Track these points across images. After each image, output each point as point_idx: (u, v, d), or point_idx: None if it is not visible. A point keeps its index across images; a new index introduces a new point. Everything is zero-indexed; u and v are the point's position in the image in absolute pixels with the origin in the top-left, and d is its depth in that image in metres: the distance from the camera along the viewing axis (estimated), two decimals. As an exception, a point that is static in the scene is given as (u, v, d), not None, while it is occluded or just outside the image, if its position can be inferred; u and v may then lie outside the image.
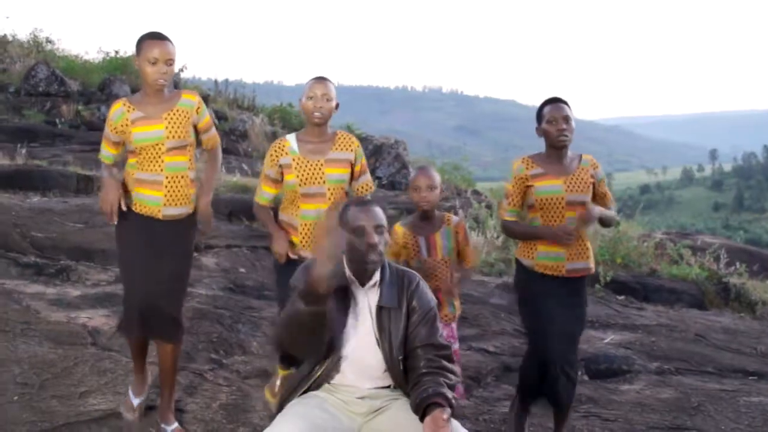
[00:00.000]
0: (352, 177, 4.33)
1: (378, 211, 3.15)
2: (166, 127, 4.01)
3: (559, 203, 4.19)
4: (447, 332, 4.18)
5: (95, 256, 7.55)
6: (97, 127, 16.69)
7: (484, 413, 4.99)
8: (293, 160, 4.20)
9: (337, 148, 4.24)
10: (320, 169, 4.17)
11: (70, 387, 4.58)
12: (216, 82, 22.53)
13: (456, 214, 11.39)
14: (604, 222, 4.38)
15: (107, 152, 4.16)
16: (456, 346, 4.45)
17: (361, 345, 3.15)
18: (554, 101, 4.27)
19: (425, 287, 3.27)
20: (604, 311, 7.95)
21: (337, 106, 4.27)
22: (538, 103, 4.38)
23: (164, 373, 4.24)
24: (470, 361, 5.83)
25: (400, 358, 3.15)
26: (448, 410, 2.88)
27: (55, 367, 4.81)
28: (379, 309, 3.15)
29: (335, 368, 3.17)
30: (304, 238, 4.21)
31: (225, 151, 15.89)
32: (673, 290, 9.18)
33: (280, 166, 4.24)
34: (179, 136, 4.04)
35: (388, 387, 3.22)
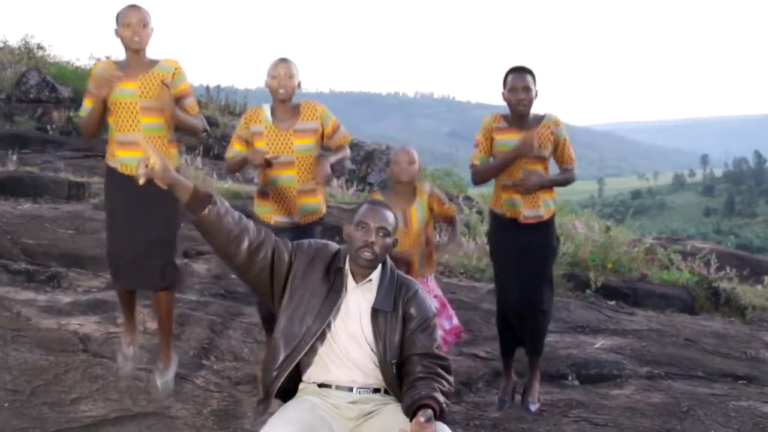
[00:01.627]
0: (323, 139, 4.66)
1: (388, 214, 3.25)
2: (139, 87, 4.32)
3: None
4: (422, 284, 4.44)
5: (86, 262, 7.53)
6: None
7: (474, 418, 5.00)
8: (265, 128, 4.53)
9: (303, 118, 4.55)
10: (289, 139, 4.50)
11: (61, 394, 4.57)
12: (208, 88, 22.48)
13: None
14: (559, 185, 4.84)
15: (86, 105, 4.42)
16: (438, 292, 4.83)
17: (350, 340, 3.18)
18: (518, 70, 4.64)
19: (425, 296, 3.30)
20: (594, 316, 7.97)
21: (299, 84, 4.55)
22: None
23: (160, 319, 4.65)
24: (461, 366, 5.85)
25: (394, 362, 3.16)
26: (429, 411, 2.86)
27: (46, 374, 4.80)
28: (375, 311, 3.18)
29: (318, 342, 3.19)
30: (274, 204, 4.58)
31: (216, 157, 15.93)
32: (664, 295, 9.20)
33: (252, 132, 4.55)
34: (152, 97, 4.32)
35: (379, 391, 3.23)
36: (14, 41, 22.63)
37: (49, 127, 16.57)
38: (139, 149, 4.19)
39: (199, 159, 13.99)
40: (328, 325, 3.18)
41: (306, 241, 3.34)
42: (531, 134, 4.58)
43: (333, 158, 4.69)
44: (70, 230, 8.63)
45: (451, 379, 3.19)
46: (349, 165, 17.05)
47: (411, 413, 2.95)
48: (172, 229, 4.52)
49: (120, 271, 4.50)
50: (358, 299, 3.22)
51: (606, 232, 10.76)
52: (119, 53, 4.41)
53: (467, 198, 15.51)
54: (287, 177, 4.54)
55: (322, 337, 3.18)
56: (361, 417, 3.17)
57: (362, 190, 14.79)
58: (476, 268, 9.64)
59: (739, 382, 6.16)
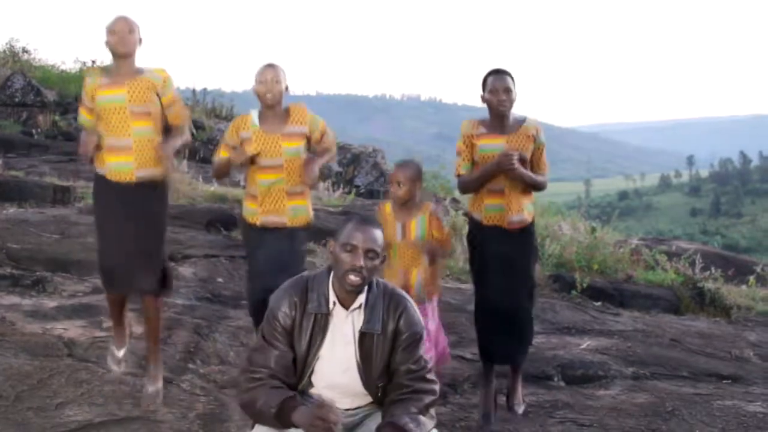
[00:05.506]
0: (310, 144, 4.73)
1: (377, 234, 3.06)
2: (128, 92, 4.39)
3: None
4: (420, 310, 4.39)
5: (71, 267, 7.51)
6: (74, 137, 16.57)
7: (460, 420, 5.02)
8: (253, 133, 4.59)
9: (292, 122, 4.63)
10: (277, 142, 4.56)
11: (46, 399, 4.56)
12: (194, 91, 22.38)
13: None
14: (531, 182, 4.69)
15: (85, 117, 4.58)
16: (432, 326, 4.67)
17: (339, 373, 3.11)
18: (496, 72, 4.65)
19: (413, 310, 3.17)
20: (580, 317, 7.99)
21: (287, 88, 4.64)
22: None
23: (149, 325, 4.71)
24: (447, 368, 5.85)
25: (380, 385, 3.11)
26: None
27: (31, 379, 4.79)
28: (362, 334, 3.08)
29: (306, 390, 3.18)
30: (262, 205, 4.64)
31: (202, 160, 15.89)
32: (649, 296, 9.23)
33: (242, 138, 4.61)
34: (141, 101, 4.40)
35: (367, 404, 3.22)
36: (-1, 45, 22.53)
37: (34, 131, 16.51)
38: (129, 154, 4.37)
39: (184, 162, 13.94)
40: (317, 358, 3.11)
41: (279, 314, 3.10)
42: (511, 147, 4.58)
43: (321, 160, 4.75)
44: (56, 235, 8.60)
45: (432, 387, 3.14)
46: (335, 167, 17.06)
47: None
48: (161, 234, 4.67)
49: (111, 277, 4.58)
50: (349, 325, 3.10)
51: (591, 233, 10.78)
52: (105, 57, 4.44)
53: (454, 200, 15.53)
54: (276, 180, 4.59)
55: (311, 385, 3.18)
56: (348, 426, 3.18)
57: (349, 193, 14.79)
58: (462, 270, 9.64)
59: (724, 381, 6.19)
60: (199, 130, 18.48)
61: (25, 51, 22.14)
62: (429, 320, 4.61)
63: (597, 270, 9.86)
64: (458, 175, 4.83)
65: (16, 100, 17.85)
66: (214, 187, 12.26)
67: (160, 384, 4.67)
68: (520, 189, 4.69)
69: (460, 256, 10.01)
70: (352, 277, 3.00)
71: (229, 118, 20.97)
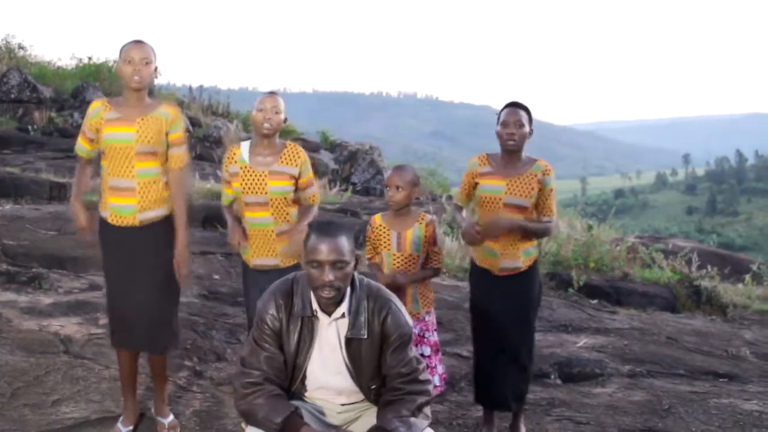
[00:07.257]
0: (297, 188, 4.46)
1: (340, 242, 2.97)
2: (137, 131, 4.07)
3: (497, 203, 4.40)
4: (422, 326, 4.44)
5: (68, 263, 7.50)
6: (70, 134, 16.58)
7: (458, 418, 5.02)
8: (241, 168, 4.39)
9: (283, 161, 4.39)
10: (263, 180, 4.34)
11: (42, 395, 4.55)
12: (190, 88, 22.38)
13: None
14: (531, 234, 4.46)
15: (83, 146, 4.27)
16: (434, 337, 4.56)
17: (330, 375, 3.11)
18: (511, 105, 4.43)
19: (399, 311, 3.12)
20: (577, 315, 8.00)
21: (285, 119, 4.45)
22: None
23: (156, 374, 4.41)
24: (444, 366, 5.86)
25: (373, 387, 3.11)
26: None
27: (27, 376, 4.78)
28: (349, 340, 3.07)
29: (299, 392, 3.18)
30: (252, 245, 4.42)
31: (199, 157, 15.88)
32: (646, 294, 9.25)
33: (230, 173, 4.43)
34: (149, 142, 4.08)
35: (363, 399, 3.23)
36: (-5, 41, 22.49)
37: (30, 127, 16.47)
38: (132, 196, 4.08)
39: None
40: (308, 361, 3.11)
41: (267, 317, 3.09)
42: (474, 234, 4.34)
43: (304, 226, 4.32)
44: (52, 231, 8.59)
45: (425, 388, 3.11)
46: (332, 165, 17.02)
47: None
48: (172, 284, 4.26)
49: (119, 329, 4.22)
50: (333, 331, 3.09)
51: (588, 231, 10.80)
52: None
53: (450, 197, 15.54)
54: (263, 219, 4.37)
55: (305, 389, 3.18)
56: (345, 423, 3.21)
57: (345, 190, 14.79)
58: (459, 267, 9.65)
59: (720, 379, 6.20)
60: (196, 127, 18.46)
61: (21, 47, 22.08)
62: (431, 335, 4.54)
63: (593, 268, 9.88)
64: (455, 205, 4.76)
65: (12, 96, 17.80)
66: (210, 184, 12.25)
67: (171, 416, 4.42)
68: (516, 235, 4.42)
69: (457, 253, 10.02)
70: (325, 294, 2.97)
71: (225, 115, 20.95)
